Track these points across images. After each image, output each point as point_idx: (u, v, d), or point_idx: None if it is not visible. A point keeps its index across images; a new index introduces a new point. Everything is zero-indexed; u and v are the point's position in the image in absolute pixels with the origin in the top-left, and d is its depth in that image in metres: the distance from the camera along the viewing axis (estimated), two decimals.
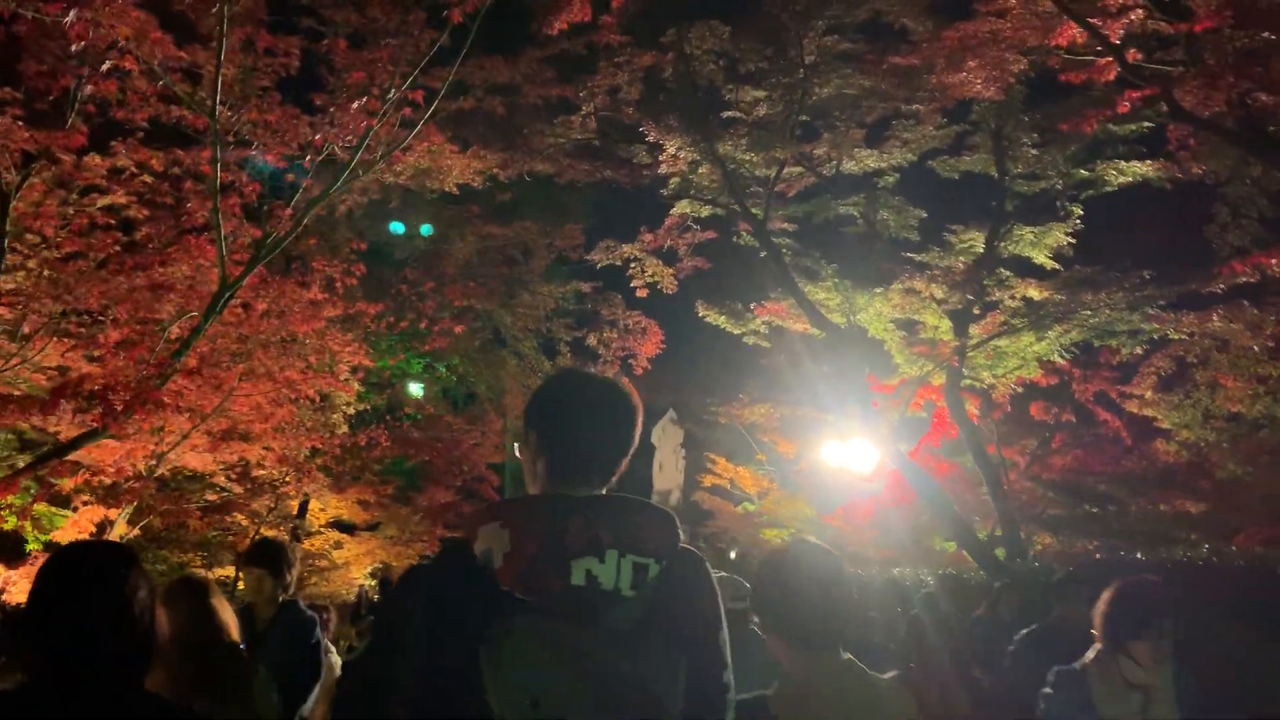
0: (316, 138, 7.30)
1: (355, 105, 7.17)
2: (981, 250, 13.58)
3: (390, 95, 7.40)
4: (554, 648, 1.61)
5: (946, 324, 13.63)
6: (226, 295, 7.28)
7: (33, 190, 6.82)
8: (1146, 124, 12.32)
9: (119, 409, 6.37)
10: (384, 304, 13.87)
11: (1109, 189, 13.07)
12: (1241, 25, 8.93)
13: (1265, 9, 8.76)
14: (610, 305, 18.95)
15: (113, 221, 7.44)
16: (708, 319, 15.94)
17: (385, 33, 7.53)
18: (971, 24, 11.48)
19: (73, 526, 8.39)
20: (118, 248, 7.57)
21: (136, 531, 9.82)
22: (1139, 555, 9.72)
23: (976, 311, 13.59)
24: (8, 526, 7.07)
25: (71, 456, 7.74)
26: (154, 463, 9.04)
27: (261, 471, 12.16)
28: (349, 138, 7.44)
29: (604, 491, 1.86)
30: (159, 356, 7.45)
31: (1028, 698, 3.89)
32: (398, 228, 14.16)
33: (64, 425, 7.37)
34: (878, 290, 13.82)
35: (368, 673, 1.84)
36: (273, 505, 13.46)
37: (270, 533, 13.14)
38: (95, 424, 6.64)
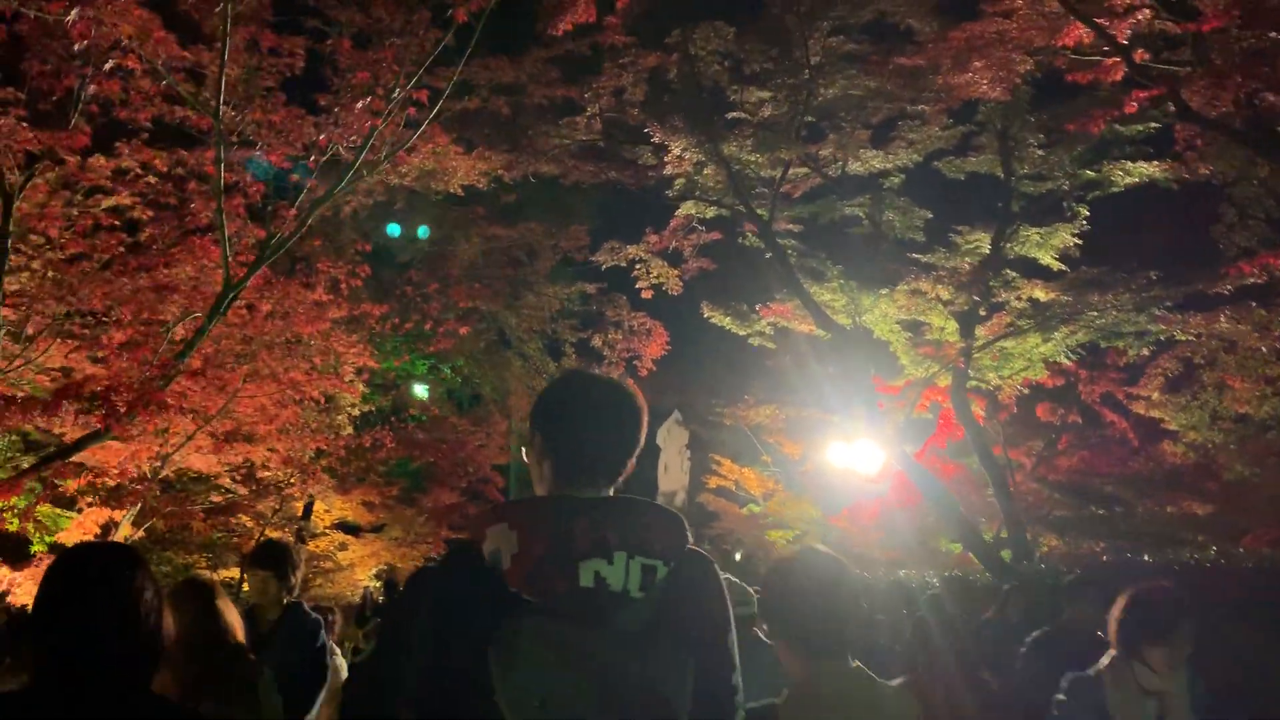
0: (321, 138, 7.28)
1: (359, 105, 7.14)
2: (987, 251, 13.54)
3: (395, 95, 7.38)
4: (562, 649, 1.61)
5: (952, 325, 13.59)
6: (230, 296, 7.27)
7: (36, 191, 6.80)
8: (1153, 124, 12.28)
9: (122, 410, 6.35)
10: (389, 305, 13.87)
11: (1115, 190, 13.02)
12: (1249, 25, 8.89)
13: (1273, 8, 8.73)
14: (615, 307, 18.93)
15: (117, 222, 7.43)
16: (713, 320, 15.91)
17: (390, 32, 7.51)
18: (978, 24, 11.45)
19: (77, 528, 8.38)
20: (122, 249, 7.55)
21: (141, 533, 9.81)
22: (1146, 557, 9.69)
23: (982, 313, 13.56)
24: (12, 528, 7.05)
25: (76, 458, 7.73)
26: (159, 464, 9.04)
27: (266, 473, 12.15)
28: (353, 138, 7.41)
29: (611, 493, 1.86)
30: (162, 358, 7.44)
31: (1037, 700, 3.86)
32: (394, 230, 14.12)
33: (69, 427, 7.35)
34: (883, 291, 13.79)
35: (375, 674, 1.85)
36: (278, 507, 13.45)
37: (275, 534, 13.13)
38: (99, 425, 6.63)
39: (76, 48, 6.08)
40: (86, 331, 7.70)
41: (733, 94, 14.02)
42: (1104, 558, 13.31)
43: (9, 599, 7.67)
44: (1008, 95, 12.21)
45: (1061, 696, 3.16)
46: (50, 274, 7.17)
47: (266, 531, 13.08)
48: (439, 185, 13.94)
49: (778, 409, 18.96)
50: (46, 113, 6.48)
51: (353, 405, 14.74)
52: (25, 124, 6.23)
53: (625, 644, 1.65)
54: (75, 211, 7.19)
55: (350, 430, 14.86)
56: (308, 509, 15.37)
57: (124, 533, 8.80)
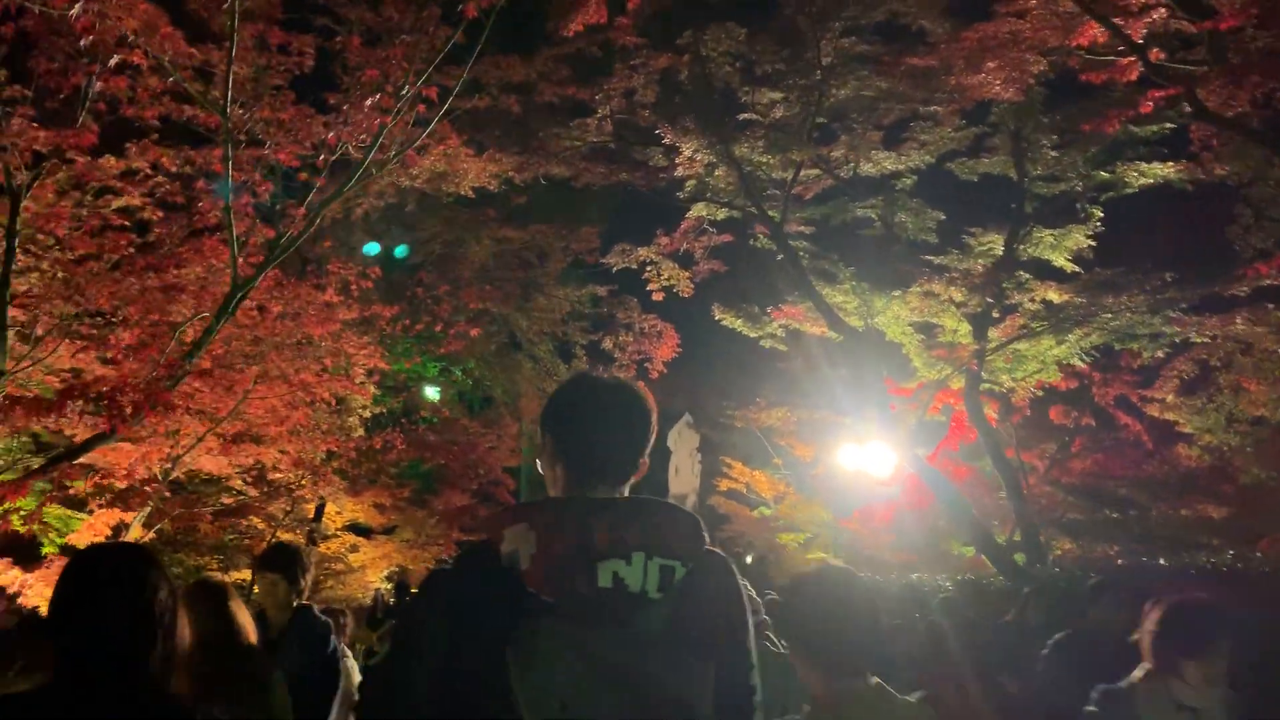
0: (330, 136, 7.25)
1: (369, 102, 7.11)
2: (1000, 253, 13.47)
3: (405, 93, 7.35)
4: (581, 650, 1.62)
5: (965, 327, 13.53)
6: (239, 296, 7.23)
7: (45, 191, 6.78)
8: (1168, 125, 12.19)
9: (128, 411, 6.32)
10: (399, 307, 13.85)
11: (1129, 191, 12.94)
12: (1266, 23, 8.83)
13: None
14: (626, 309, 18.90)
15: (126, 223, 7.42)
16: (724, 322, 15.86)
17: (399, 30, 7.48)
18: (991, 25, 11.40)
19: (88, 529, 8.37)
20: (131, 249, 7.54)
21: (151, 535, 9.81)
22: (1161, 561, 9.61)
23: (995, 315, 13.49)
24: (21, 529, 7.04)
25: (87, 460, 7.72)
26: (169, 466, 9.03)
27: (277, 475, 12.14)
28: (363, 136, 7.38)
29: (625, 493, 1.87)
30: (169, 358, 7.41)
31: (1059, 703, 3.81)
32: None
33: (79, 428, 7.34)
34: (896, 293, 13.73)
35: (389, 677, 1.82)
36: (289, 508, 13.45)
37: (286, 536, 13.14)
38: (106, 427, 6.61)
39: (82, 44, 6.06)
40: (95, 332, 7.68)
41: (744, 95, 13.98)
42: (1118, 561, 13.22)
43: (20, 600, 7.66)
44: (1021, 96, 12.14)
45: (1092, 709, 3.09)
46: (59, 274, 7.16)
47: (278, 533, 13.09)
48: (450, 187, 13.95)
49: (789, 411, 18.91)
50: (54, 111, 6.45)
51: (364, 407, 14.73)
52: (33, 123, 6.21)
53: (645, 645, 1.64)
54: (84, 212, 7.17)
55: (361, 432, 14.85)
56: (319, 511, 15.36)
57: (134, 534, 8.79)
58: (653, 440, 1.91)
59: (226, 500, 12.03)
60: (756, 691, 1.80)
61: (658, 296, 16.38)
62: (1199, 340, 13.10)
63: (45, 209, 6.82)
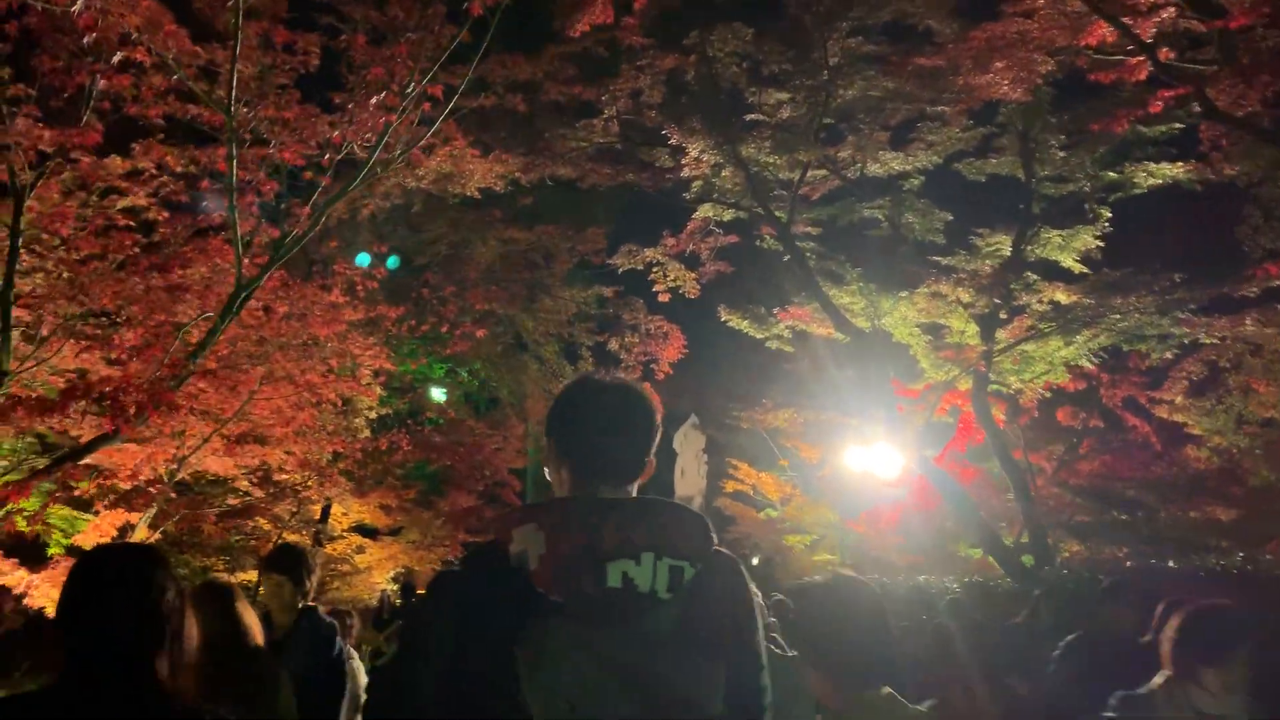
0: (335, 135, 7.23)
1: (374, 101, 7.09)
2: (1008, 254, 13.43)
3: (410, 91, 7.32)
4: (590, 650, 1.62)
5: (973, 328, 13.49)
6: (243, 295, 7.21)
7: (50, 190, 6.77)
8: (1177, 125, 12.14)
9: (130, 411, 6.30)
10: (405, 308, 13.84)
11: (1138, 191, 12.90)
12: (1277, 23, 8.78)
13: None
14: (632, 310, 18.88)
15: (132, 223, 7.41)
16: (730, 323, 15.83)
17: (404, 29, 7.47)
18: (998, 25, 11.36)
19: (94, 530, 8.37)
20: (136, 249, 7.53)
21: (157, 535, 9.80)
22: (1170, 563, 9.57)
23: (1003, 316, 13.44)
24: (25, 530, 7.03)
25: (93, 460, 7.71)
26: (174, 467, 9.02)
27: (283, 476, 12.14)
28: (368, 135, 7.36)
29: (633, 493, 1.87)
30: (173, 358, 7.39)
31: (1070, 706, 3.78)
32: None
33: (85, 429, 7.34)
34: (903, 294, 13.69)
35: (395, 678, 1.90)
36: (295, 509, 13.44)
37: (293, 537, 13.13)
38: (110, 427, 6.60)
39: (85, 41, 6.04)
40: (99, 332, 7.67)
41: (751, 95, 13.96)
42: (1127, 563, 13.18)
43: (26, 601, 7.66)
44: (1029, 96, 12.10)
45: (1111, 715, 3.05)
46: (64, 274, 7.14)
47: (284, 535, 13.08)
48: (456, 188, 13.94)
49: (796, 413, 18.88)
50: (58, 110, 6.43)
51: (370, 408, 14.72)
52: (39, 123, 6.20)
53: (654, 646, 1.65)
54: (89, 211, 7.16)
55: (367, 433, 14.85)
56: (325, 512, 15.36)
57: (140, 535, 8.78)
58: (657, 441, 1.91)
59: (233, 501, 12.02)
60: (767, 692, 1.80)
61: (664, 298, 16.38)
62: (1208, 341, 13.06)
63: (50, 209, 6.80)
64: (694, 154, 13.92)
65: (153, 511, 9.04)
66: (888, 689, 2.28)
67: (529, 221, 18.65)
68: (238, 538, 13.10)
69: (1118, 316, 12.43)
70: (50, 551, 8.48)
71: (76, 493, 8.48)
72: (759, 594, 3.75)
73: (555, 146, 15.09)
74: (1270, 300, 11.78)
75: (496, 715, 1.60)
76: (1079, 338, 12.98)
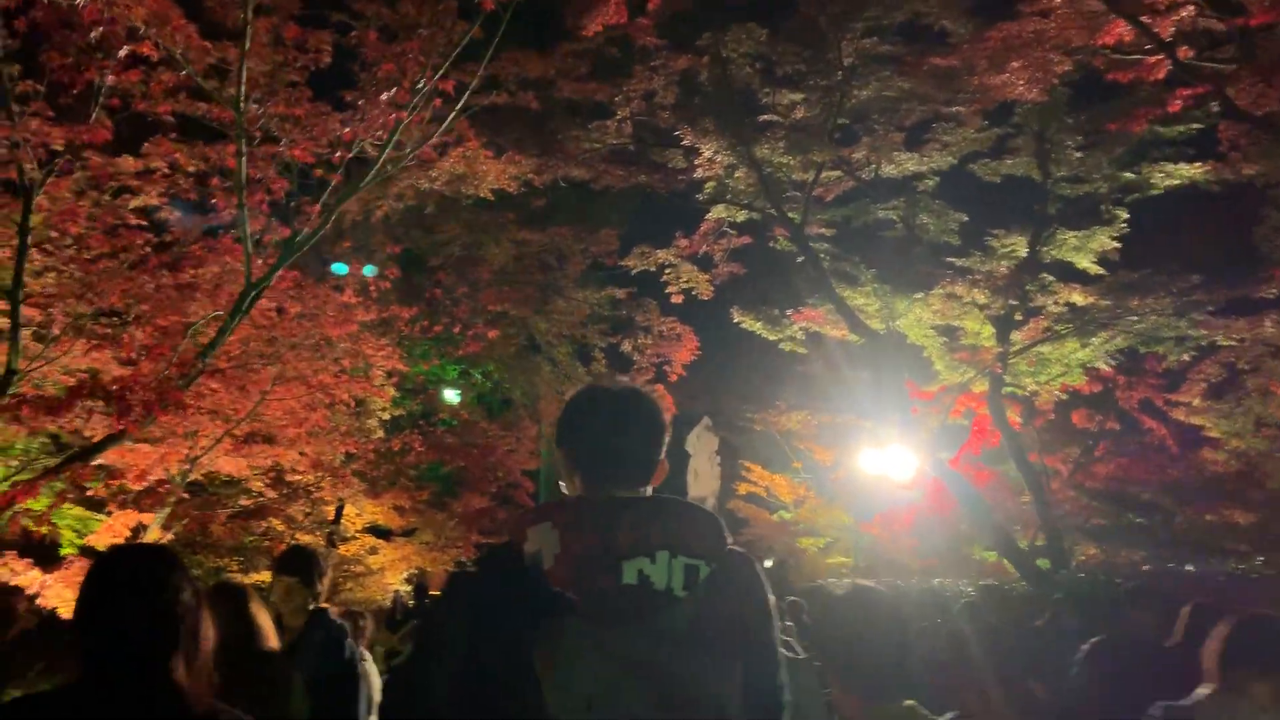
0: (346, 132, 7.20)
1: (385, 97, 7.06)
2: (1024, 255, 13.35)
3: (421, 87, 7.29)
4: (606, 648, 1.63)
5: (988, 330, 13.42)
6: (253, 295, 7.18)
7: (59, 189, 6.74)
8: (1195, 125, 12.07)
9: (138, 410, 6.28)
10: (418, 308, 13.84)
11: (1155, 192, 12.83)
12: None
13: None
14: (645, 311, 18.84)
15: (144, 222, 7.40)
16: (744, 325, 15.79)
17: (416, 25, 7.44)
18: (1015, 24, 11.32)
19: (107, 531, 8.37)
20: (148, 248, 7.51)
21: (170, 536, 9.80)
22: (1188, 567, 9.51)
23: (1019, 317, 13.38)
24: (33, 530, 7.01)
25: (106, 460, 7.70)
26: (187, 467, 9.01)
27: (296, 476, 12.14)
28: (379, 133, 7.33)
29: (648, 493, 1.88)
30: (182, 356, 7.37)
31: (1093, 711, 3.73)
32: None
33: (98, 429, 7.33)
34: (917, 296, 13.63)
35: (410, 679, 1.86)
36: (308, 510, 13.45)
37: (306, 538, 13.13)
38: (119, 427, 6.58)
39: (92, 36, 6.02)
40: (109, 331, 7.66)
41: (764, 96, 13.93)
42: (1144, 567, 13.09)
43: (39, 601, 7.66)
44: (1045, 96, 12.05)
45: None
46: (75, 273, 7.13)
47: (297, 535, 13.08)
48: (469, 189, 13.91)
49: (809, 415, 18.81)
50: (67, 106, 6.41)
51: (383, 409, 14.72)
52: (46, 120, 6.17)
53: (671, 644, 1.65)
54: (100, 210, 7.14)
55: (380, 434, 14.84)
56: (338, 513, 15.37)
57: (153, 536, 8.78)
58: (666, 443, 1.93)
59: (245, 502, 12.02)
60: (785, 689, 1.80)
61: (677, 299, 16.35)
62: (1226, 343, 12.96)
63: (60, 207, 6.78)
64: (707, 155, 13.89)
65: (166, 512, 9.03)
66: (910, 701, 2.25)
67: (542, 223, 18.63)
68: (251, 538, 13.10)
69: (1134, 318, 12.36)
70: (63, 552, 8.48)
71: (91, 493, 8.48)
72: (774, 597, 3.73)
73: (568, 148, 15.09)
74: None
75: (510, 716, 1.61)
76: (1095, 340, 12.91)
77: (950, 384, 14.20)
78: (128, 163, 6.93)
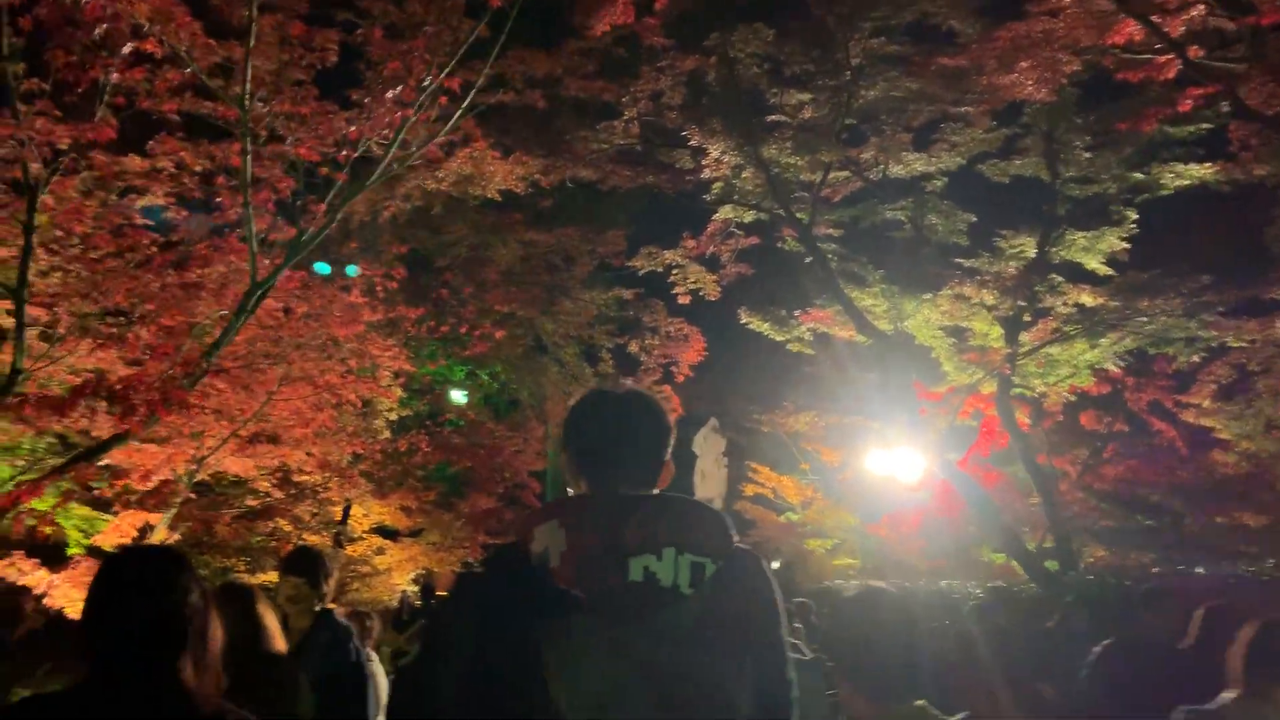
0: (351, 130, 7.19)
1: (390, 95, 7.05)
2: (1032, 255, 13.31)
3: (427, 85, 7.28)
4: (614, 646, 1.64)
5: (996, 331, 13.38)
6: (258, 294, 7.16)
7: (66, 189, 6.73)
8: (1204, 125, 12.01)
9: (141, 410, 6.26)
10: (425, 309, 13.84)
11: (1165, 193, 12.77)
12: None
13: None
14: (652, 312, 18.83)
15: (151, 221, 7.40)
16: (751, 326, 15.76)
17: (422, 23, 7.43)
18: (1023, 24, 11.28)
19: (113, 531, 8.37)
20: (154, 248, 7.51)
21: (177, 536, 9.80)
22: (1198, 569, 9.45)
23: (1027, 318, 13.34)
24: (36, 528, 7.00)
25: (112, 460, 7.70)
26: (194, 468, 9.00)
27: (303, 477, 12.14)
28: (385, 131, 7.32)
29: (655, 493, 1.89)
30: (186, 356, 7.36)
31: (1104, 711, 3.70)
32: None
33: (105, 429, 7.32)
34: (926, 296, 13.59)
35: (417, 679, 1.87)
36: (315, 511, 13.46)
37: (313, 539, 13.14)
38: (124, 427, 6.57)
39: (96, 33, 6.01)
40: (115, 331, 7.65)
41: (772, 96, 13.91)
42: (1153, 569, 13.04)
43: (46, 601, 7.66)
44: (1054, 96, 11.99)
45: None
46: (81, 272, 7.12)
47: (304, 536, 13.09)
48: (476, 190, 13.94)
49: (817, 416, 18.78)
50: (72, 105, 6.40)
51: (390, 409, 14.73)
52: (51, 118, 6.16)
53: (677, 641, 1.67)
54: (105, 209, 7.13)
55: (387, 434, 14.85)
56: (346, 513, 15.38)
57: (159, 536, 8.78)
58: (671, 444, 1.95)
59: (252, 503, 12.03)
60: (793, 685, 1.81)
61: (684, 300, 16.35)
62: (1236, 344, 12.89)
63: (66, 206, 6.76)
64: (715, 155, 13.87)
65: (172, 512, 9.03)
66: (921, 701, 2.24)
67: (549, 223, 18.63)
68: (258, 539, 13.11)
69: (1144, 319, 12.31)
70: (70, 552, 8.48)
71: (96, 493, 8.48)
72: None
73: (576, 148, 15.08)
74: None
75: (517, 716, 1.62)
76: (1104, 341, 12.87)
77: (958, 385, 14.17)
78: (134, 161, 6.92)
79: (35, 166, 6.26)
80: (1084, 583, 10.10)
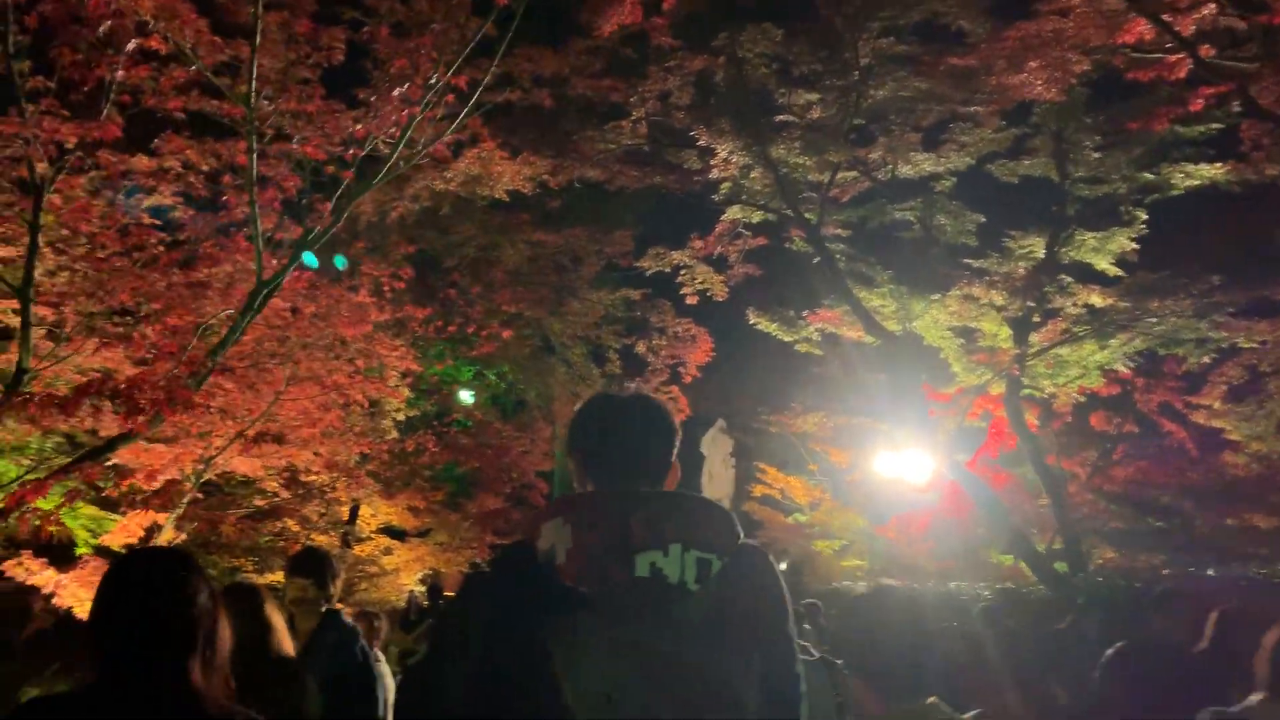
0: (358, 129, 7.18)
1: (397, 93, 7.04)
2: (1042, 256, 13.26)
3: (434, 83, 7.26)
4: (621, 642, 1.64)
5: (1006, 331, 13.33)
6: (264, 294, 7.15)
7: (73, 188, 6.73)
8: (1215, 125, 11.95)
9: (146, 410, 6.25)
10: (432, 309, 13.84)
11: (1175, 193, 12.71)
12: None
13: None
14: (660, 313, 18.82)
15: (158, 221, 7.41)
16: (759, 326, 15.75)
17: (429, 21, 7.41)
18: (1033, 24, 11.25)
19: (121, 531, 8.38)
20: (161, 247, 7.51)
21: (184, 536, 9.81)
22: (1209, 571, 9.41)
23: (1037, 319, 13.29)
24: (44, 529, 7.01)
25: (119, 460, 7.69)
26: (201, 468, 9.00)
27: (311, 477, 12.14)
28: (391, 130, 7.30)
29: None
30: (191, 355, 7.35)
31: (1116, 714, 3.67)
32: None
33: (113, 428, 7.32)
34: (934, 297, 13.55)
35: (425, 678, 1.88)
36: (323, 511, 13.46)
37: (321, 539, 13.15)
38: (130, 426, 6.56)
39: (101, 30, 6.00)
40: (121, 330, 7.65)
41: (780, 96, 13.87)
42: (1163, 571, 12.98)
43: (54, 600, 7.67)
44: (1063, 96, 11.96)
45: None
46: (87, 271, 7.12)
47: (312, 536, 13.09)
48: (484, 190, 13.94)
49: (825, 416, 18.73)
50: (78, 103, 6.40)
51: (398, 410, 14.73)
52: (58, 117, 6.15)
53: (685, 637, 1.67)
54: (112, 208, 7.12)
55: (395, 434, 14.85)
56: (353, 513, 15.39)
57: (167, 536, 8.78)
58: (676, 448, 1.97)
59: (260, 503, 12.03)
60: (801, 679, 1.81)
61: (692, 300, 16.33)
62: (1247, 345, 12.83)
63: (71, 205, 6.76)
64: (723, 155, 13.85)
65: (179, 512, 9.03)
66: (933, 699, 2.22)
67: (557, 224, 18.63)
68: (266, 539, 13.12)
69: (1154, 320, 12.26)
70: (78, 551, 8.50)
71: (104, 493, 8.48)
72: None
73: (583, 148, 15.07)
74: None
75: (525, 715, 1.63)
76: (1114, 341, 12.82)
77: (967, 386, 14.12)
78: (140, 160, 6.92)
79: (41, 165, 6.25)
80: (1094, 585, 10.06)
